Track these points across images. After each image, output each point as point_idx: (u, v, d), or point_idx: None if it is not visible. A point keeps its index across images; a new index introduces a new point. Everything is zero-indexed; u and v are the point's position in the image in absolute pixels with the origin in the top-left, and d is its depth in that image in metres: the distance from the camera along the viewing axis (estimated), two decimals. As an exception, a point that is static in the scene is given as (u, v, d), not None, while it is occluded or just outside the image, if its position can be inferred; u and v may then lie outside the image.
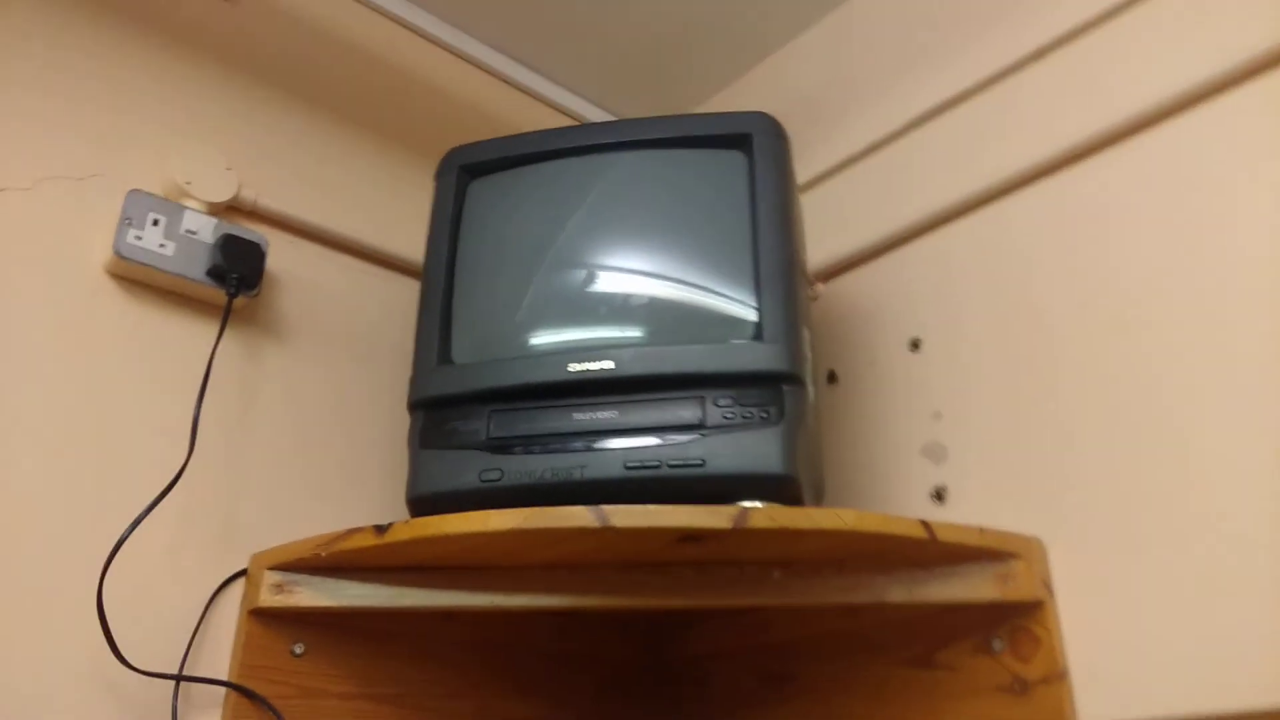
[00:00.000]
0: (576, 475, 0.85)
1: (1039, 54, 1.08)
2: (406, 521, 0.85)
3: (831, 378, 1.22)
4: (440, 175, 1.03)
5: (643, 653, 1.27)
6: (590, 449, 0.86)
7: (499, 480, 0.87)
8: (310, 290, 1.13)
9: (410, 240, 1.19)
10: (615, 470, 0.85)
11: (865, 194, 1.23)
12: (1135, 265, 0.95)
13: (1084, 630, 0.90)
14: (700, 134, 0.98)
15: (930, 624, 1.00)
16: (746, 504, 0.82)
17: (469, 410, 0.91)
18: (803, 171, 1.28)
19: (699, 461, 0.84)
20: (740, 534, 0.82)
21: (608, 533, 0.81)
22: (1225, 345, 0.87)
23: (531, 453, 0.87)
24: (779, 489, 0.84)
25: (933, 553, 0.89)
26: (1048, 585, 0.93)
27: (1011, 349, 1.03)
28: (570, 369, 0.89)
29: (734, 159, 0.97)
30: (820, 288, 1.26)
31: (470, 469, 0.88)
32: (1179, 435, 0.88)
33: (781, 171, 0.96)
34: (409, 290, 1.17)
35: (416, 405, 0.93)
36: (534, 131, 1.03)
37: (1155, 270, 0.93)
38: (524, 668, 1.15)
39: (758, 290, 0.90)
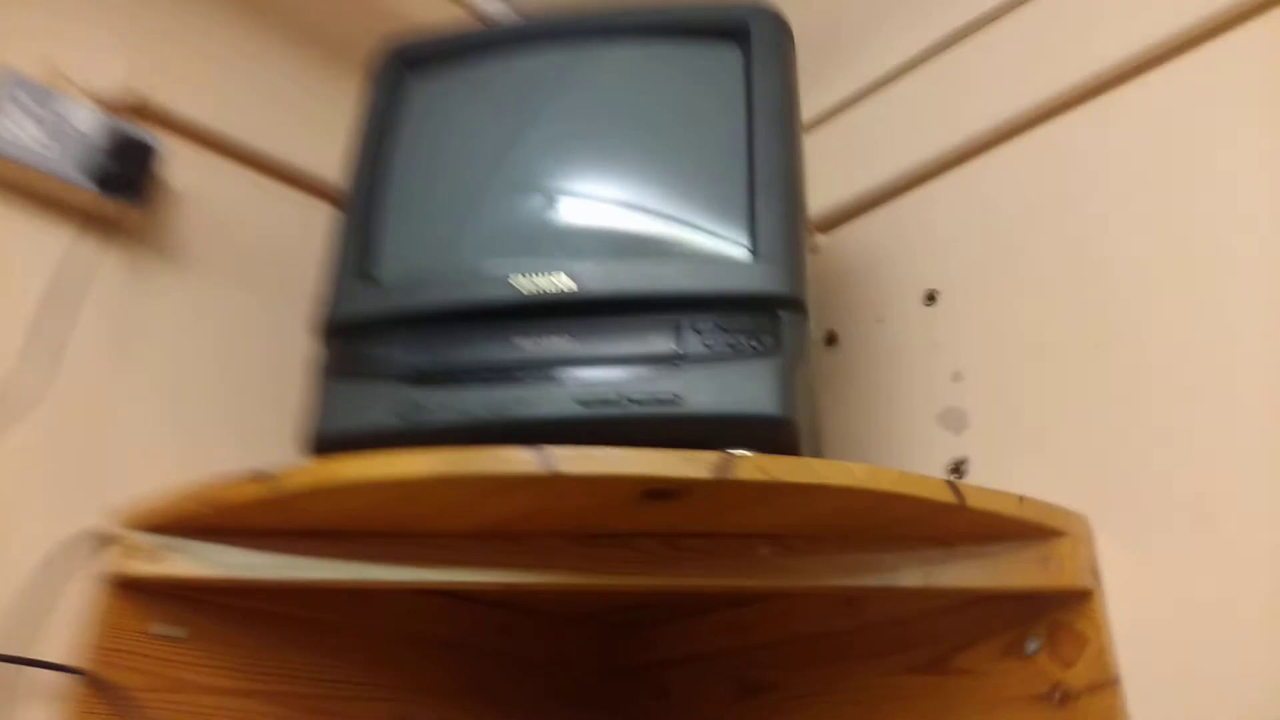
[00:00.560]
0: (518, 413, 0.68)
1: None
2: (299, 466, 0.67)
3: (830, 339, 1.05)
4: (376, 67, 0.86)
5: (600, 655, 1.08)
6: (536, 381, 0.69)
7: (422, 418, 0.69)
8: (210, 208, 0.96)
9: (333, 160, 1.01)
10: (566, 407, 0.67)
11: (873, 132, 1.07)
12: (1207, 204, 0.79)
13: (1140, 628, 0.73)
14: (689, 24, 0.82)
15: (949, 619, 0.82)
16: (731, 452, 0.65)
17: (391, 335, 0.73)
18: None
19: (671, 398, 0.67)
20: (722, 488, 0.64)
21: (555, 483, 0.63)
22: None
23: (464, 386, 0.70)
24: (772, 436, 0.67)
25: (960, 525, 0.72)
26: (1095, 572, 0.76)
27: (1050, 299, 0.87)
28: (517, 285, 0.71)
29: (727, 54, 0.80)
30: (819, 239, 1.10)
31: (388, 405, 0.70)
32: (1255, 402, 0.72)
33: (784, 68, 0.80)
34: (328, 217, 0.99)
35: (327, 329, 0.76)
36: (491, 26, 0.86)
37: (1227, 213, 0.78)
38: (457, 668, 0.96)
39: (752, 198, 0.73)
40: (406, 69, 0.85)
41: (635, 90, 0.81)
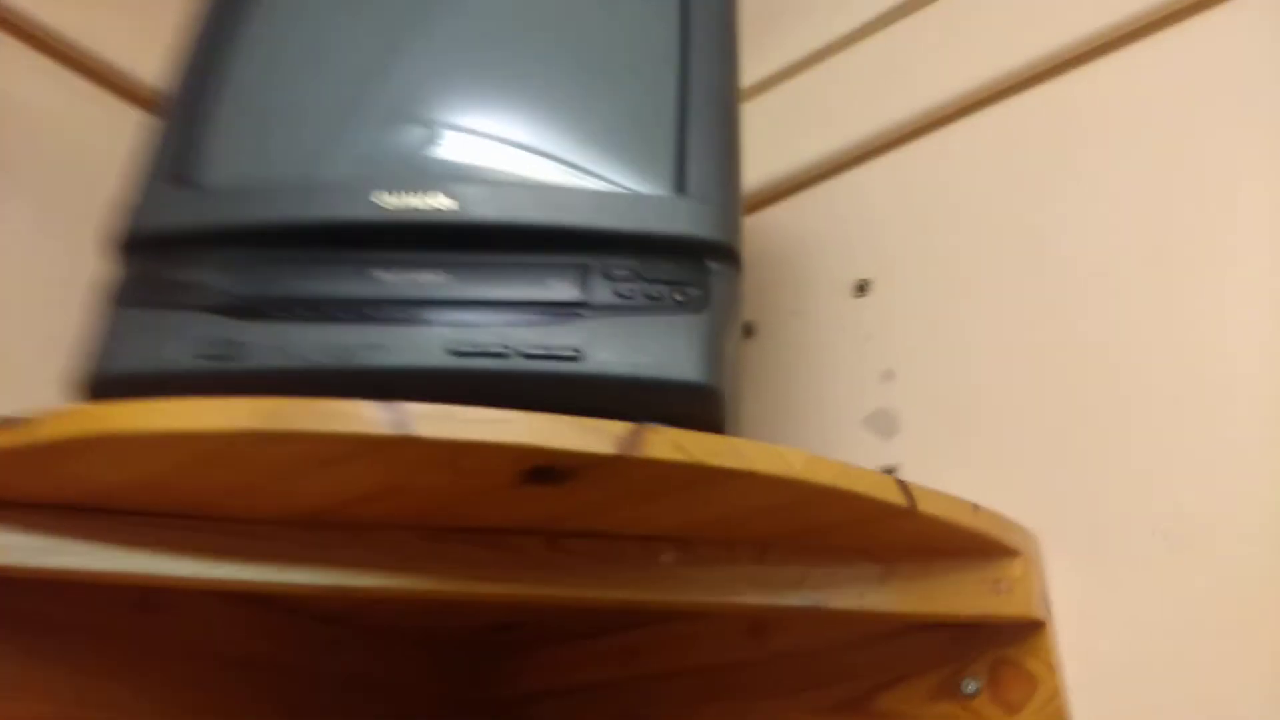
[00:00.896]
0: (368, 360, 0.52)
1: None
2: (59, 410, 0.49)
3: (748, 331, 0.93)
4: (222, -60, 0.69)
5: (454, 685, 0.91)
6: (396, 323, 0.53)
7: (238, 361, 0.52)
8: (26, 119, 0.76)
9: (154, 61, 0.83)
10: (433, 357, 0.52)
11: (807, 107, 0.96)
12: (1184, 194, 0.71)
13: (1096, 667, 0.62)
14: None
15: (873, 651, 0.70)
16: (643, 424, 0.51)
17: (207, 255, 0.56)
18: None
19: (571, 353, 0.52)
20: (627, 469, 0.50)
21: (409, 450, 0.48)
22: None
23: (299, 322, 0.54)
24: (692, 409, 0.54)
25: (905, 534, 0.60)
26: (1046, 601, 0.65)
27: (999, 293, 0.77)
28: (380, 203, 0.56)
29: (657, -37, 0.68)
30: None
31: (193, 341, 0.53)
32: (1237, 411, 0.63)
33: (723, -16, 0.67)
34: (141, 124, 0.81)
35: (125, 243, 0.58)
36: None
37: (1205, 204, 0.69)
38: (273, 695, 0.78)
39: (682, 126, 0.60)
40: (264, -56, 0.69)
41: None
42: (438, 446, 0.48)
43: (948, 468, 0.74)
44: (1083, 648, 0.64)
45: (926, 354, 0.80)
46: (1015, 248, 0.78)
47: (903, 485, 0.56)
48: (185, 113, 0.62)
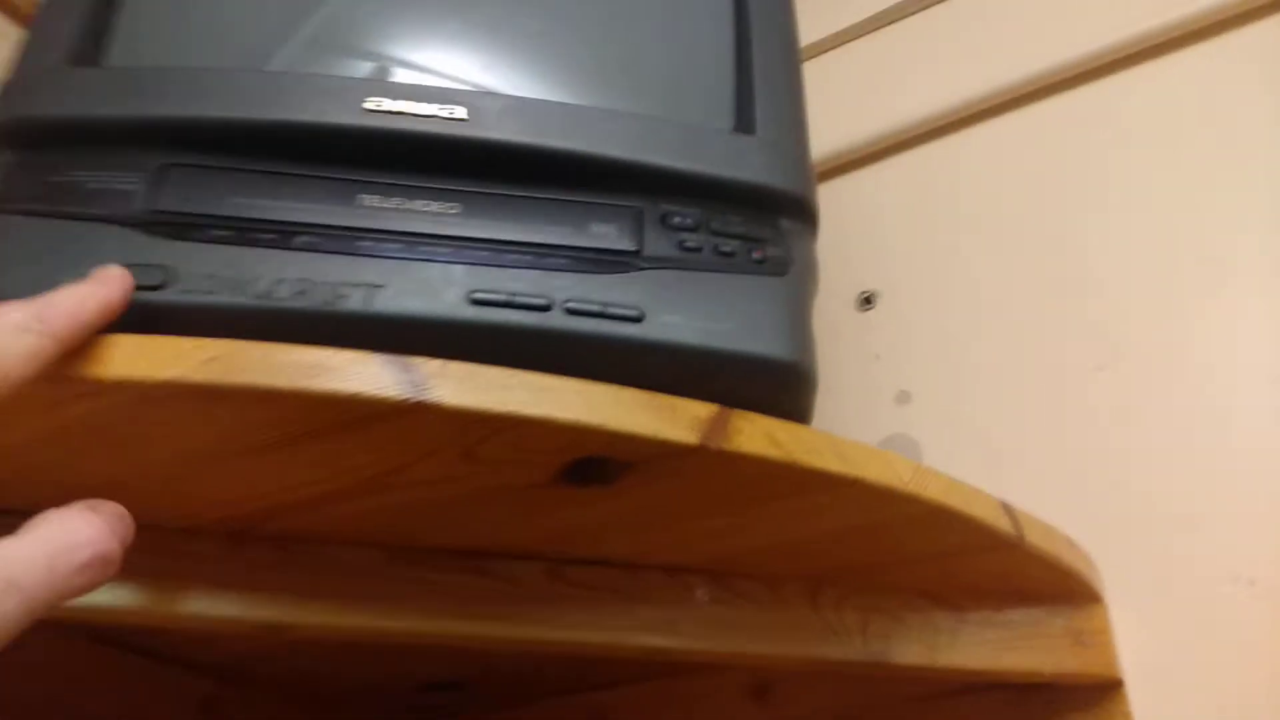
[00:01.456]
0: (355, 304, 0.38)
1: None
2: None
3: (727, 344, 0.82)
4: None
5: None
6: (395, 258, 0.39)
7: (161, 291, 0.37)
8: None
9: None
10: (446, 303, 0.38)
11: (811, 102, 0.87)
12: (1186, 195, 0.65)
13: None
14: None
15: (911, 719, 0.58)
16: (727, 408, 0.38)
17: (118, 155, 0.40)
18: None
19: (633, 313, 0.40)
20: (705, 463, 0.37)
21: (419, 420, 0.34)
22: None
23: (253, 245, 0.39)
24: (778, 392, 0.42)
25: (991, 571, 0.49)
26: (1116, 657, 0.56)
27: (1024, 306, 0.69)
28: (371, 108, 0.42)
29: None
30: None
31: (98, 261, 0.37)
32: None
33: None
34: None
35: (7, 130, 0.42)
36: None
37: (1235, 213, 0.64)
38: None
39: (742, 53, 0.49)
40: None
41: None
42: (461, 420, 0.34)
43: (980, 503, 0.65)
44: (1156, 713, 0.55)
45: (943, 374, 0.71)
46: (1038, 259, 0.70)
47: (1009, 510, 0.46)
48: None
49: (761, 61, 0.49)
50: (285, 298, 0.37)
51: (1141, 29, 0.70)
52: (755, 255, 0.43)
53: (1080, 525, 0.59)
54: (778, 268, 0.43)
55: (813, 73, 0.88)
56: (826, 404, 0.74)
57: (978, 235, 0.74)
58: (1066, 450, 0.63)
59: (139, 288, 0.36)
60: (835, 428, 0.72)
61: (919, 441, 0.69)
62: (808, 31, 0.87)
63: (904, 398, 0.71)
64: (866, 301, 0.77)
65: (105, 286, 0.33)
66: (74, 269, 0.36)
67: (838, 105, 0.85)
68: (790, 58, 0.51)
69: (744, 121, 0.47)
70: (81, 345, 0.32)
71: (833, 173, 0.84)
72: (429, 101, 0.42)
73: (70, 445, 0.36)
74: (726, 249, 0.43)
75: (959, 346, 0.71)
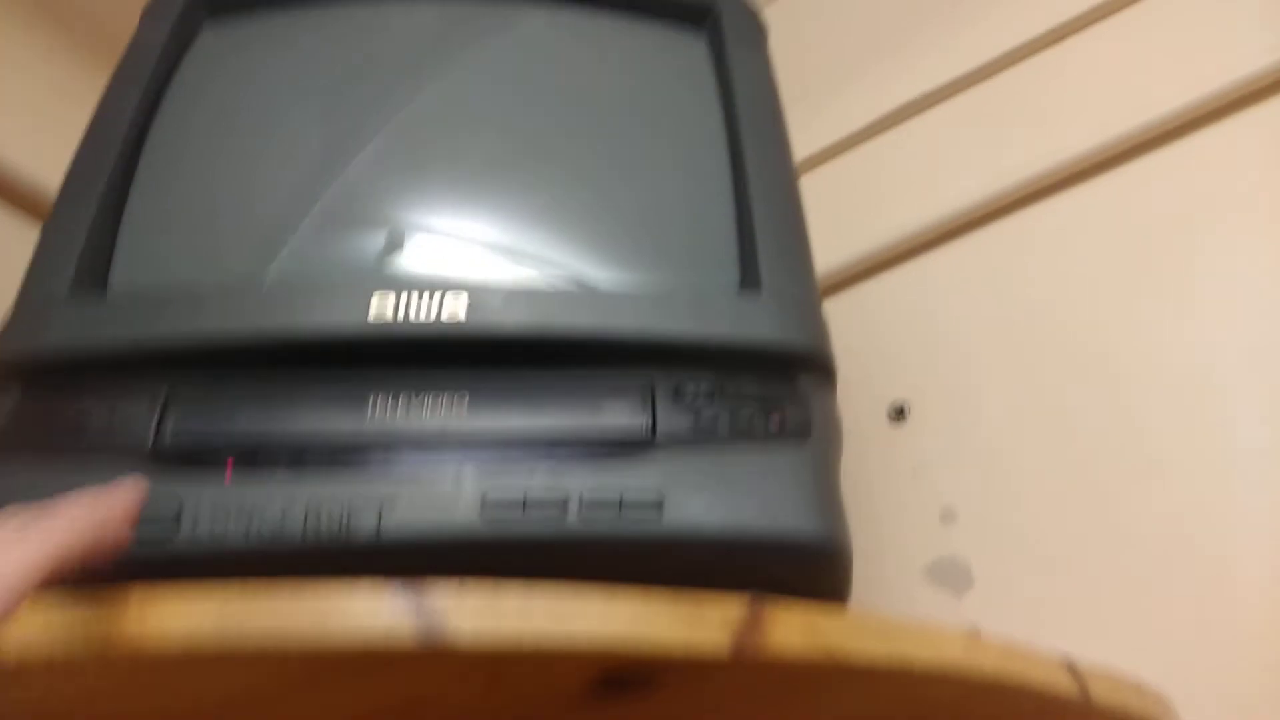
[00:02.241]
0: (366, 525, 0.37)
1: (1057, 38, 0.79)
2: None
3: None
4: (156, 4, 0.56)
5: None
6: (405, 470, 0.38)
7: (171, 531, 0.36)
8: None
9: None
10: (461, 513, 0.37)
11: (827, 206, 0.87)
12: (1247, 288, 0.63)
13: None
14: (635, -4, 0.59)
15: None
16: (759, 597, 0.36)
17: (124, 383, 0.40)
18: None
19: (652, 503, 0.38)
20: (739, 667, 0.35)
21: (437, 660, 0.32)
22: None
23: (262, 468, 0.38)
24: (811, 573, 0.40)
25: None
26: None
27: (1062, 411, 0.67)
28: (379, 309, 0.42)
29: (688, 39, 0.58)
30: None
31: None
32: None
33: (764, 60, 0.58)
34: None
35: (5, 369, 0.42)
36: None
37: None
38: None
39: (742, 207, 0.49)
40: (205, 9, 0.56)
41: (563, 59, 0.56)
42: (480, 656, 0.32)
43: (1039, 631, 0.61)
44: None
45: (987, 489, 0.68)
46: (1069, 360, 0.68)
47: (1072, 669, 0.43)
48: (95, 201, 0.47)
49: (762, 213, 0.48)
50: (296, 530, 0.36)
51: (1155, 115, 0.69)
52: (773, 421, 0.42)
53: (1141, 656, 0.56)
54: (799, 433, 0.42)
55: (822, 180, 0.89)
56: (867, 524, 0.71)
57: (1005, 338, 0.72)
58: (1122, 566, 0.60)
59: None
60: (878, 550, 0.70)
61: (969, 563, 0.66)
62: (814, 139, 0.88)
63: (949, 515, 0.69)
64: (899, 413, 0.75)
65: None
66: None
67: (852, 211, 0.85)
68: (791, 204, 0.50)
69: (749, 278, 0.46)
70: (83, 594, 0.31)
71: (852, 280, 0.83)
72: (432, 297, 0.42)
73: (78, 700, 0.35)
74: (743, 418, 0.41)
75: (1000, 457, 0.68)
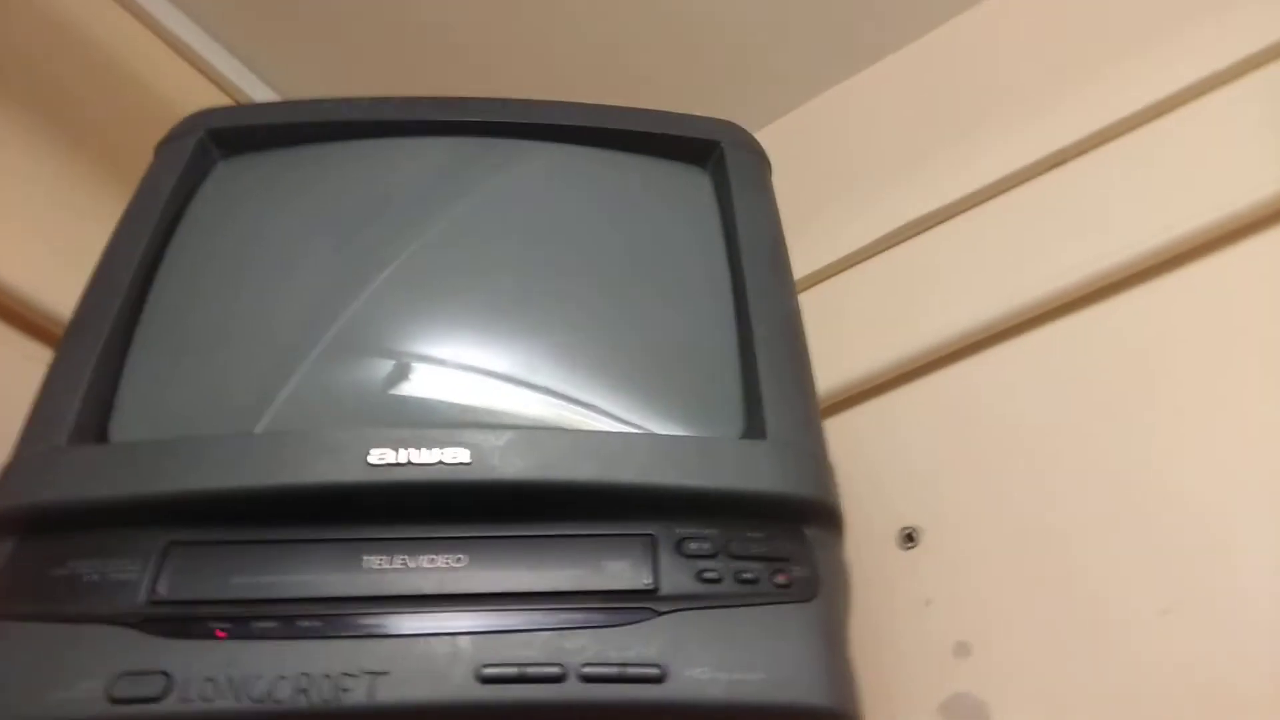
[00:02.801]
0: (358, 696, 0.35)
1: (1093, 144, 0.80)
2: None
3: (768, 591, 0.78)
4: (169, 141, 0.58)
5: None
6: (396, 634, 0.37)
7: (159, 702, 0.35)
8: None
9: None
10: (455, 684, 0.36)
11: (829, 325, 0.87)
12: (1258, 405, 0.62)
13: None
14: (641, 131, 0.60)
15: None
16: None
17: (119, 539, 0.40)
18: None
19: (652, 670, 0.37)
20: None
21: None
22: None
23: (253, 637, 0.37)
24: (821, 745, 0.38)
25: None
26: None
27: (1078, 531, 0.65)
28: (375, 462, 0.41)
29: (692, 176, 0.59)
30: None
31: (94, 670, 0.36)
32: None
33: (768, 198, 0.58)
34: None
35: (8, 517, 0.41)
36: (356, 98, 0.61)
37: None
38: None
39: (746, 354, 0.49)
40: (216, 148, 0.57)
41: (569, 197, 0.56)
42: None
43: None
44: None
45: (1003, 621, 0.66)
46: (1084, 484, 0.67)
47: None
48: (98, 348, 0.47)
49: (766, 359, 0.48)
50: (286, 699, 0.35)
51: (1176, 234, 0.70)
52: (780, 579, 0.41)
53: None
54: (805, 591, 0.41)
55: (828, 294, 0.89)
56: (876, 657, 0.69)
57: (1018, 460, 0.71)
58: (1142, 711, 0.58)
59: (135, 701, 0.34)
60: (891, 684, 0.68)
61: (985, 701, 0.64)
62: (822, 253, 0.89)
63: (963, 649, 0.67)
64: (909, 539, 0.73)
65: None
66: (71, 678, 0.34)
67: (857, 328, 0.85)
68: (796, 349, 0.50)
69: (754, 426, 0.46)
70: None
71: (857, 399, 0.82)
72: (431, 447, 0.42)
73: None
74: (748, 575, 0.41)
75: (1015, 588, 0.67)
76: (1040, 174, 0.80)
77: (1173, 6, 0.79)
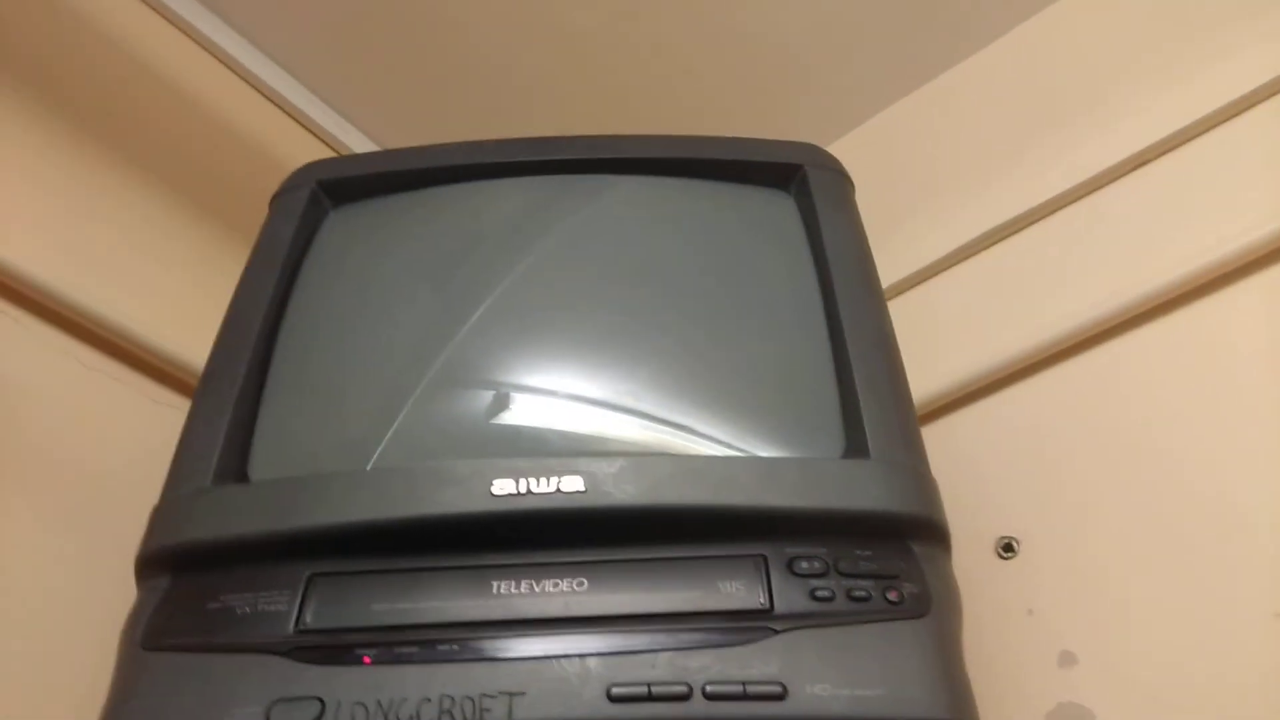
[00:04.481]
0: (499, 716, 0.38)
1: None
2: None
3: (865, 604, 0.78)
4: (282, 195, 0.61)
5: None
6: (531, 658, 0.39)
7: (315, 725, 0.38)
8: (16, 394, 0.65)
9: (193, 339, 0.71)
10: (586, 703, 0.38)
11: (917, 332, 0.87)
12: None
13: None
14: (724, 160, 0.62)
15: None
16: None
17: (265, 572, 0.43)
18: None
19: (775, 688, 0.38)
20: None
21: None
22: None
23: (397, 662, 0.39)
24: (943, 758, 0.39)
25: None
26: None
27: (1182, 537, 0.65)
28: (497, 492, 0.44)
29: (777, 200, 0.60)
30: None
31: (251, 697, 0.39)
32: None
33: (853, 217, 0.60)
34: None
35: (154, 560, 0.45)
36: (451, 144, 0.64)
37: None
38: None
39: (844, 373, 0.50)
40: (328, 198, 0.61)
41: (656, 227, 0.58)
42: None
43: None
44: None
45: (1108, 630, 0.66)
46: (1188, 489, 0.66)
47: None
48: (230, 386, 0.51)
49: (864, 377, 0.49)
50: (429, 721, 0.37)
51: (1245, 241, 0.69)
52: (891, 596, 0.42)
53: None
54: (918, 607, 0.42)
55: (912, 303, 0.89)
56: (982, 665, 0.69)
57: (1116, 466, 0.70)
58: (1254, 715, 0.57)
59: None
60: (997, 695, 0.68)
61: (1092, 710, 0.64)
62: (902, 263, 0.89)
63: (1068, 659, 0.66)
64: (1007, 549, 0.73)
65: None
66: (231, 705, 0.37)
67: (945, 336, 0.85)
68: (891, 365, 0.51)
69: (855, 445, 0.47)
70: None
71: (944, 409, 0.82)
72: (549, 476, 0.44)
73: None
74: (860, 593, 0.42)
75: (1119, 596, 0.66)
76: (1125, 174, 0.80)
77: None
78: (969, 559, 0.74)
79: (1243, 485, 0.64)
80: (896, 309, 0.85)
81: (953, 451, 0.80)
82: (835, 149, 0.67)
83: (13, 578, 0.59)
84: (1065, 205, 0.82)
